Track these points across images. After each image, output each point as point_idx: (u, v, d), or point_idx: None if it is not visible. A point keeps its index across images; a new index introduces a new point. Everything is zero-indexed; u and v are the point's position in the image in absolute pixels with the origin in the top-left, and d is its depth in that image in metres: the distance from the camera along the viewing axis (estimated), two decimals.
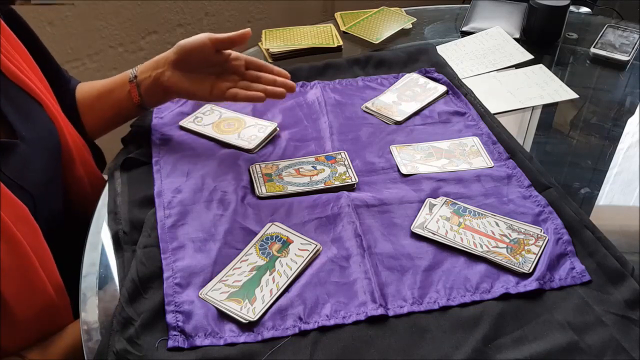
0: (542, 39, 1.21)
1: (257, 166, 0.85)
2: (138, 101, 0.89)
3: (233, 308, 0.65)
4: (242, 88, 0.86)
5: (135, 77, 0.88)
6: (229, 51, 0.87)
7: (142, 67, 0.89)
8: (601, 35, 1.19)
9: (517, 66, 1.13)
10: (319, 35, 1.19)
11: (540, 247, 0.72)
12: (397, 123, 0.95)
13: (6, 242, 0.64)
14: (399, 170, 0.85)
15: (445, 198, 0.79)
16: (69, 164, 0.83)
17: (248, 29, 0.86)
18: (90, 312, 0.68)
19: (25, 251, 0.66)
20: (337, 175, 0.83)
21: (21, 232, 0.66)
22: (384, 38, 1.19)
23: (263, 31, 1.20)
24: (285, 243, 0.73)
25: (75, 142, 0.85)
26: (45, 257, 0.70)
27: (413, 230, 0.75)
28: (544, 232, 0.74)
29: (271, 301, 0.66)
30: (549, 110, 1.03)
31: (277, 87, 0.86)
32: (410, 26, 1.24)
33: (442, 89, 1.02)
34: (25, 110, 0.76)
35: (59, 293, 0.72)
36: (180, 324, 0.63)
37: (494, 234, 0.74)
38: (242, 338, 0.63)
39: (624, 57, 1.14)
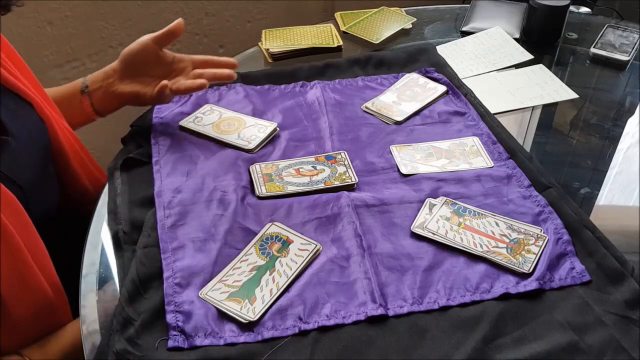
0: (542, 39, 1.21)
1: (257, 166, 0.85)
2: (91, 112, 0.91)
3: (233, 308, 0.65)
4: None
5: (87, 87, 0.90)
6: (173, 53, 0.91)
7: (92, 77, 0.91)
8: (601, 35, 1.19)
9: (517, 66, 1.13)
10: (319, 35, 1.19)
11: (540, 247, 0.72)
12: (397, 123, 0.95)
13: None
14: (399, 170, 0.85)
15: (445, 198, 0.79)
16: (62, 161, 0.84)
17: (180, 19, 0.89)
18: (90, 312, 0.68)
19: (18, 245, 0.66)
20: (337, 175, 0.83)
21: (12, 224, 0.66)
22: (384, 38, 1.19)
23: (263, 31, 1.20)
24: (285, 243, 0.73)
25: (68, 140, 0.86)
26: (39, 252, 0.71)
27: (413, 230, 0.75)
28: (543, 232, 0.74)
29: (271, 301, 0.66)
30: (549, 110, 1.03)
31: (220, 72, 0.89)
32: (410, 26, 1.24)
33: (442, 89, 1.02)
34: (16, 110, 0.78)
35: (55, 290, 0.72)
36: (180, 324, 0.63)
37: (494, 234, 0.74)
38: (242, 338, 0.63)
39: (624, 57, 1.14)
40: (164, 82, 0.85)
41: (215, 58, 0.92)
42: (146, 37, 0.88)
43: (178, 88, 0.86)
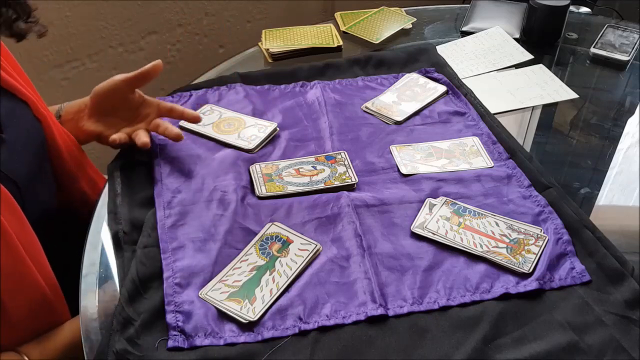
0: (542, 39, 1.21)
1: (257, 166, 0.85)
2: None
3: (233, 308, 0.65)
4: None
5: (60, 116, 0.90)
6: (142, 96, 0.89)
7: (68, 107, 0.91)
8: (601, 35, 1.19)
9: (517, 66, 1.13)
10: (319, 35, 1.19)
11: (540, 247, 0.72)
12: (397, 123, 0.95)
13: None
14: (399, 170, 0.85)
15: (445, 198, 0.79)
16: (58, 161, 0.85)
17: (159, 61, 0.87)
18: (90, 312, 0.68)
19: (13, 241, 0.66)
20: (337, 175, 0.83)
21: (7, 219, 0.66)
22: (384, 38, 1.19)
23: (263, 31, 1.20)
24: (285, 243, 0.73)
25: (64, 141, 0.86)
26: (35, 249, 0.71)
27: (413, 230, 0.75)
28: (543, 232, 0.74)
29: (271, 301, 0.66)
30: (549, 110, 1.03)
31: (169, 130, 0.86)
32: (410, 26, 1.24)
33: (442, 89, 1.02)
34: (12, 109, 0.78)
35: (52, 288, 0.72)
36: (180, 324, 0.63)
37: (494, 234, 0.74)
38: (242, 338, 0.63)
39: (624, 57, 1.14)
40: (114, 137, 0.85)
41: (180, 109, 0.89)
42: (118, 78, 0.86)
43: (132, 140, 0.85)
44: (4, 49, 0.83)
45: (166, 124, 0.86)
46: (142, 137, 0.84)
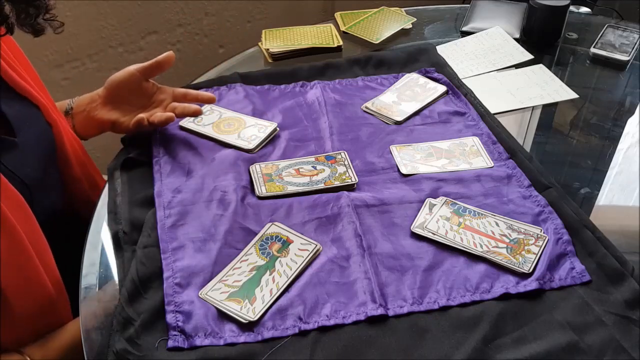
0: (542, 39, 1.21)
1: (257, 166, 0.85)
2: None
3: (233, 308, 0.65)
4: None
5: (72, 108, 0.91)
6: (156, 85, 0.92)
7: (78, 101, 0.92)
8: (601, 35, 1.19)
9: (517, 66, 1.13)
10: (319, 35, 1.19)
11: (540, 247, 0.72)
12: (397, 123, 0.95)
13: (3, 230, 0.64)
14: (399, 170, 0.85)
15: (445, 198, 0.79)
16: (65, 164, 0.85)
17: (171, 52, 0.90)
18: (90, 312, 0.68)
19: (22, 240, 0.66)
20: (337, 175, 0.83)
21: (17, 220, 0.66)
22: (384, 38, 1.19)
23: (263, 31, 1.20)
24: (285, 243, 0.73)
25: (72, 145, 0.87)
26: (42, 248, 0.71)
27: (413, 230, 0.75)
28: (543, 232, 0.74)
29: (271, 301, 0.66)
30: (549, 110, 1.03)
31: (188, 107, 0.88)
32: (410, 26, 1.24)
33: (442, 89, 1.02)
34: (24, 113, 0.79)
35: (56, 287, 0.72)
36: (180, 324, 0.63)
37: (494, 234, 0.74)
38: (242, 338, 0.63)
39: (624, 57, 1.14)
40: (141, 115, 0.86)
41: (194, 92, 0.93)
42: (133, 67, 0.89)
43: (153, 121, 0.86)
44: (19, 52, 0.84)
45: (183, 105, 0.89)
46: (163, 114, 0.86)
